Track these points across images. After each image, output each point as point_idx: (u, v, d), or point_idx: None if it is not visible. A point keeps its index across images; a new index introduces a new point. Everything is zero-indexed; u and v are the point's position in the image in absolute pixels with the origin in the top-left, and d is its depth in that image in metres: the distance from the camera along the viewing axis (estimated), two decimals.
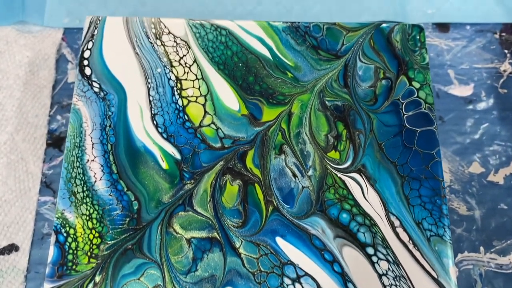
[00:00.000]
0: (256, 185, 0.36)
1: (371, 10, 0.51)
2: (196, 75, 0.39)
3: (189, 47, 0.40)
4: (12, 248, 0.42)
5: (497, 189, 0.45)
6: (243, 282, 0.33)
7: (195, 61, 0.39)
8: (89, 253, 0.34)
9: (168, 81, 0.39)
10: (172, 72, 0.39)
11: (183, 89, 0.38)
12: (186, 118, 0.38)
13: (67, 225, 0.35)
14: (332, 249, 0.34)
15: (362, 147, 0.37)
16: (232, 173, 0.36)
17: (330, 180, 0.36)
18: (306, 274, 0.34)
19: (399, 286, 0.34)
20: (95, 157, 0.36)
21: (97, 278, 0.33)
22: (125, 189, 0.36)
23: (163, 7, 0.50)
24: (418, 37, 0.40)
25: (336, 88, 0.39)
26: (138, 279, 0.33)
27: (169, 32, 0.40)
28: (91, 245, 0.34)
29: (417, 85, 0.39)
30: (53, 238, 0.34)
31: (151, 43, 0.40)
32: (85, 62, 0.39)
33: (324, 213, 0.35)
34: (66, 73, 0.49)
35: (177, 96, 0.38)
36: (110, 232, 0.34)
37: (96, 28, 0.40)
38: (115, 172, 0.36)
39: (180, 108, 0.38)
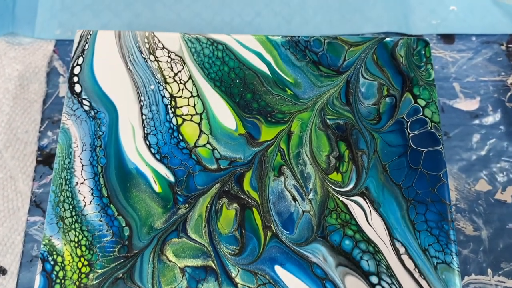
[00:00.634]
0: (254, 209, 0.34)
1: (373, 21, 0.49)
2: (191, 92, 0.37)
3: (184, 63, 0.38)
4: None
5: (505, 208, 0.44)
6: None
7: (190, 77, 0.38)
8: (77, 283, 0.32)
9: (161, 99, 0.37)
10: (166, 89, 0.37)
11: (178, 107, 0.37)
12: (181, 138, 0.36)
13: (54, 252, 0.33)
14: (334, 278, 0.33)
15: (366, 168, 0.35)
16: (228, 197, 0.35)
17: (332, 204, 0.34)
18: None
19: None
20: (84, 179, 0.35)
21: None
22: (116, 214, 0.34)
23: (159, 18, 0.48)
24: (423, 52, 0.39)
25: (337, 106, 0.37)
26: None
27: (163, 47, 0.38)
28: (79, 274, 0.32)
29: (422, 102, 0.37)
30: (39, 267, 0.32)
31: (144, 58, 0.38)
32: (75, 79, 0.37)
33: (325, 239, 0.34)
34: (57, 86, 0.47)
35: (171, 115, 0.36)
36: (99, 260, 0.33)
37: (87, 43, 0.38)
38: (106, 195, 0.34)
39: (174, 128, 0.36)
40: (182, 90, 0.37)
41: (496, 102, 0.48)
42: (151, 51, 0.38)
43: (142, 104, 0.37)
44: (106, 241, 0.33)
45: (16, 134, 0.45)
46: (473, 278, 0.41)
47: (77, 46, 0.38)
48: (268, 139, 0.36)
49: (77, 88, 0.37)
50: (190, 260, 0.33)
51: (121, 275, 0.32)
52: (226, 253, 0.33)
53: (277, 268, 0.33)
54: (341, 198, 0.35)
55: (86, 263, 0.33)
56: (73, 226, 0.33)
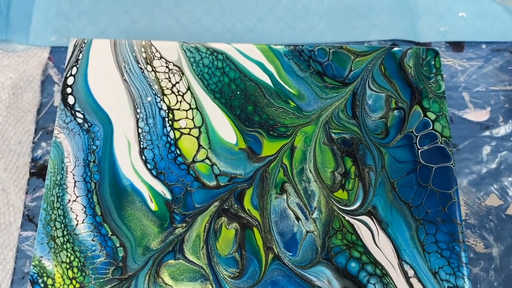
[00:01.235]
0: (255, 229, 0.33)
1: (379, 28, 0.47)
2: (189, 105, 0.35)
3: (183, 73, 0.36)
4: None
5: None
6: None
7: (188, 88, 0.36)
8: None
9: (159, 111, 0.35)
10: (164, 101, 0.35)
11: (175, 120, 0.35)
12: (178, 152, 0.34)
13: (44, 274, 0.31)
14: None
15: (373, 186, 0.34)
16: (228, 215, 0.33)
17: (337, 223, 0.33)
18: None
19: None
20: (77, 197, 0.33)
21: None
22: (110, 233, 0.32)
23: (157, 24, 0.47)
24: (433, 62, 0.37)
25: (343, 119, 0.35)
26: None
27: (161, 57, 0.37)
28: None
29: (432, 116, 0.35)
30: None
31: (141, 68, 0.36)
32: (68, 90, 0.36)
33: (330, 261, 0.32)
34: (52, 95, 0.45)
35: (168, 128, 0.35)
36: (92, 282, 0.31)
37: (81, 52, 0.37)
38: (99, 214, 0.33)
39: (172, 142, 0.35)
40: (180, 102, 0.35)
41: (507, 113, 0.46)
42: (148, 61, 0.36)
43: (138, 116, 0.35)
44: (99, 262, 0.31)
45: (9, 145, 0.43)
46: None
47: (71, 56, 0.36)
48: (270, 154, 0.34)
49: (71, 99, 0.35)
50: (187, 283, 0.31)
51: None
52: (225, 276, 0.31)
53: None
54: (347, 218, 0.33)
55: (78, 286, 0.31)
56: (64, 246, 0.32)
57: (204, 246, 0.32)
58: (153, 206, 0.33)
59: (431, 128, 0.35)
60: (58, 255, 0.31)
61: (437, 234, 0.32)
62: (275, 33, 0.47)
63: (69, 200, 0.33)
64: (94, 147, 0.34)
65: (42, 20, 0.47)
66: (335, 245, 0.32)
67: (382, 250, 0.32)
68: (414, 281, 0.31)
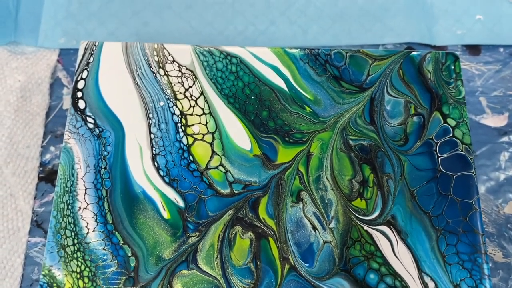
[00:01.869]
0: (270, 238, 0.32)
1: (394, 31, 0.46)
2: (203, 110, 0.35)
3: (196, 78, 0.35)
4: None
5: None
6: None
7: (202, 93, 0.35)
8: None
9: (171, 116, 0.34)
10: (176, 106, 0.35)
11: (188, 126, 0.34)
12: (191, 159, 0.33)
13: (54, 284, 0.30)
14: None
15: (392, 195, 0.33)
16: (242, 224, 0.32)
17: (356, 234, 0.32)
18: None
19: None
20: (88, 204, 0.32)
21: None
22: (121, 242, 0.31)
23: (168, 27, 0.46)
24: (452, 67, 0.36)
25: (361, 125, 0.34)
26: None
27: (174, 60, 0.36)
28: None
29: (452, 122, 0.34)
30: None
31: (153, 72, 0.35)
32: (79, 94, 0.35)
33: (348, 273, 0.31)
34: (61, 98, 0.45)
35: (181, 134, 0.34)
36: None
37: (91, 55, 0.36)
38: (110, 222, 0.32)
39: (185, 148, 0.34)
40: (194, 107, 0.35)
41: None
42: (161, 65, 0.36)
43: (150, 122, 0.34)
44: (111, 272, 0.31)
45: (17, 149, 0.43)
46: None
47: (81, 59, 0.36)
48: (286, 161, 0.33)
49: (81, 104, 0.35)
50: None
51: None
52: (240, 287, 0.30)
53: None
54: (365, 228, 0.32)
55: None
56: (75, 255, 0.31)
57: (218, 256, 0.31)
58: (165, 214, 0.32)
59: (451, 135, 0.34)
60: (68, 264, 0.31)
61: (458, 245, 0.31)
62: (288, 36, 0.46)
63: (80, 208, 0.32)
64: (105, 153, 0.33)
65: (51, 22, 0.46)
66: (353, 256, 0.31)
67: (402, 261, 0.31)
68: None
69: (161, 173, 0.33)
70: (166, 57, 0.36)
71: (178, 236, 0.31)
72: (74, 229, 0.31)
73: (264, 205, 0.32)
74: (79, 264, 0.31)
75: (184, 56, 0.36)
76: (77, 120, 0.34)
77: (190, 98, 0.35)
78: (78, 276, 0.30)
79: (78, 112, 0.34)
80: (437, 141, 0.34)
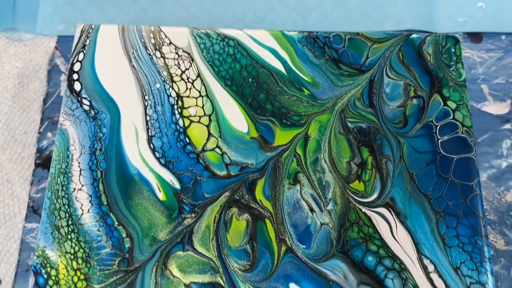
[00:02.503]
0: (267, 220, 0.31)
1: (395, 18, 0.46)
2: (199, 92, 0.34)
3: (192, 60, 0.35)
4: None
5: None
6: None
7: (198, 75, 0.35)
8: None
9: (167, 99, 0.34)
10: (173, 88, 0.34)
11: (185, 108, 0.34)
12: (187, 141, 0.33)
13: (48, 265, 0.30)
14: None
15: (391, 177, 0.32)
16: (239, 206, 0.31)
17: (354, 216, 0.31)
18: None
19: None
20: (82, 185, 0.32)
21: None
22: (116, 223, 0.31)
23: (167, 14, 0.45)
24: (453, 50, 0.35)
25: (359, 107, 0.34)
26: None
27: (170, 43, 0.35)
28: None
29: (453, 105, 0.34)
30: (31, 281, 0.30)
31: (149, 55, 0.35)
32: (75, 76, 0.35)
33: (346, 255, 0.30)
34: (58, 85, 0.44)
35: (177, 116, 0.34)
36: (97, 274, 0.30)
37: (88, 38, 0.35)
38: (105, 203, 0.31)
39: (181, 130, 0.33)
40: (190, 89, 0.34)
41: None
42: (157, 47, 0.35)
43: (146, 104, 0.34)
44: (105, 253, 0.30)
45: (14, 136, 0.42)
46: None
47: (78, 41, 0.35)
48: (283, 144, 0.33)
49: (77, 86, 0.34)
50: (196, 276, 0.30)
51: None
52: (236, 269, 0.30)
53: (292, 286, 0.30)
54: (363, 210, 0.31)
55: (82, 277, 0.30)
56: (69, 236, 0.30)
57: (214, 238, 0.31)
58: (161, 195, 0.32)
59: (451, 117, 0.34)
60: (62, 245, 0.30)
61: (458, 228, 0.31)
62: (287, 23, 0.46)
63: (74, 189, 0.32)
64: (101, 134, 0.33)
65: (50, 8, 0.46)
66: (351, 238, 0.31)
67: (401, 243, 0.31)
68: (434, 276, 0.30)
69: (157, 155, 0.33)
70: (162, 40, 0.35)
71: (173, 218, 0.31)
72: (68, 210, 0.31)
73: (261, 187, 0.32)
74: (73, 245, 0.30)
75: (181, 38, 0.35)
76: (72, 102, 0.34)
77: (186, 80, 0.34)
78: (72, 257, 0.30)
79: (74, 94, 0.34)
80: (437, 124, 0.33)
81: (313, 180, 0.32)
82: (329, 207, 0.31)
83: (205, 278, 0.30)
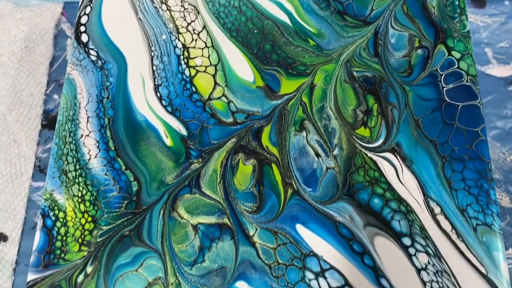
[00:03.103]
0: (273, 165, 0.31)
1: None
2: (205, 43, 0.34)
3: (198, 12, 0.35)
4: (0, 238, 0.38)
5: None
6: (257, 276, 0.29)
7: (204, 27, 0.35)
8: (80, 240, 0.29)
9: (174, 49, 0.34)
10: (179, 40, 0.34)
11: (191, 58, 0.34)
12: (194, 90, 0.33)
13: (56, 207, 0.30)
14: (362, 239, 0.29)
15: (396, 123, 0.32)
16: (245, 152, 0.32)
17: (359, 160, 0.31)
18: (332, 267, 0.29)
19: (441, 283, 0.28)
20: (90, 132, 0.32)
21: (89, 269, 0.29)
22: (123, 168, 0.31)
23: None
24: (457, 3, 0.36)
25: (365, 57, 0.34)
26: (136, 270, 0.29)
27: None
28: (82, 231, 0.29)
29: (457, 55, 0.34)
30: (40, 223, 0.30)
31: (155, 7, 0.35)
32: (82, 28, 0.35)
33: (352, 197, 0.30)
34: (64, 49, 0.45)
35: (183, 66, 0.34)
36: (105, 216, 0.30)
37: None
38: (112, 149, 0.31)
39: (187, 79, 0.33)
40: (196, 40, 0.34)
41: None
42: (163, 0, 0.35)
43: (152, 54, 0.34)
44: (112, 196, 0.30)
45: (21, 97, 0.43)
46: (510, 253, 0.38)
47: None
48: (289, 92, 0.33)
49: (84, 37, 0.35)
50: (203, 217, 0.30)
51: (127, 232, 0.29)
52: (243, 211, 0.30)
53: (299, 227, 0.30)
54: (369, 155, 0.31)
55: (90, 219, 0.30)
56: (76, 180, 0.31)
57: (221, 181, 0.31)
58: (168, 141, 0.32)
59: (456, 67, 0.34)
60: (70, 189, 0.30)
61: (464, 172, 0.31)
62: None
63: (82, 135, 0.32)
64: (108, 83, 0.33)
65: None
66: (357, 181, 0.31)
67: (407, 187, 0.31)
68: (441, 218, 0.30)
69: (164, 103, 0.33)
70: None
71: (181, 162, 0.31)
72: (76, 155, 0.31)
73: (267, 134, 0.32)
74: (81, 188, 0.30)
75: None
76: (80, 53, 0.34)
77: (192, 32, 0.35)
78: (80, 200, 0.30)
79: (81, 45, 0.34)
80: (442, 73, 0.34)
81: (319, 127, 0.32)
82: (335, 152, 0.32)
83: (212, 219, 0.30)
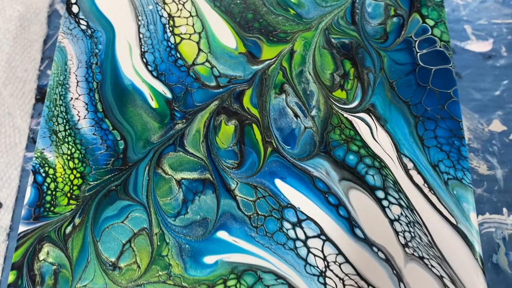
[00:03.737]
0: (254, 125, 0.33)
1: None
2: (190, 12, 0.36)
3: None
4: None
5: None
6: (237, 226, 0.30)
7: None
8: (69, 194, 0.31)
9: (160, 18, 0.36)
10: (165, 10, 0.36)
11: (176, 27, 0.36)
12: (179, 56, 0.35)
13: (46, 165, 0.32)
14: (337, 192, 0.31)
15: (372, 86, 0.34)
16: (227, 113, 0.33)
17: (336, 120, 0.33)
18: (308, 218, 0.30)
19: (414, 232, 0.30)
20: (79, 95, 0.33)
21: (77, 221, 0.30)
22: (111, 128, 0.33)
23: None
24: None
25: (343, 25, 0.36)
26: (122, 222, 0.30)
27: None
28: (71, 186, 0.31)
29: (431, 22, 0.36)
30: (30, 179, 0.31)
31: None
32: (73, 0, 0.36)
33: (328, 154, 0.32)
34: (58, 28, 0.46)
35: (169, 34, 0.35)
36: (92, 172, 0.31)
37: None
38: (100, 110, 0.33)
39: (172, 46, 0.35)
40: (181, 10, 0.36)
41: (510, 44, 0.46)
42: None
43: (139, 23, 0.36)
44: (100, 154, 0.32)
45: (15, 73, 0.44)
46: (487, 217, 0.39)
47: None
48: (270, 58, 0.35)
49: (75, 8, 0.36)
50: (187, 173, 0.31)
51: (114, 187, 0.31)
52: (224, 167, 0.32)
53: (278, 181, 0.31)
54: (345, 115, 0.33)
55: (78, 175, 0.31)
56: (66, 140, 0.32)
57: (204, 140, 0.32)
58: (153, 104, 0.33)
59: (430, 33, 0.35)
60: (59, 147, 0.32)
61: (437, 130, 0.32)
62: None
63: (71, 98, 0.33)
64: (97, 50, 0.35)
65: None
66: (333, 139, 0.32)
67: (381, 144, 0.32)
68: (413, 173, 0.31)
69: (150, 68, 0.34)
70: None
71: (165, 123, 0.33)
72: (65, 117, 0.33)
73: (248, 96, 0.34)
74: (70, 147, 0.32)
75: None
76: (70, 23, 0.36)
77: (178, 2, 0.36)
78: (69, 158, 0.32)
79: (72, 15, 0.36)
80: (416, 39, 0.35)
81: (298, 90, 0.34)
82: (313, 113, 0.33)
83: (195, 175, 0.31)
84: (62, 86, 0.34)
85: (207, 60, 0.35)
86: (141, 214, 0.30)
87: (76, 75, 0.34)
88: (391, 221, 0.30)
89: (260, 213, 0.30)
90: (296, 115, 0.33)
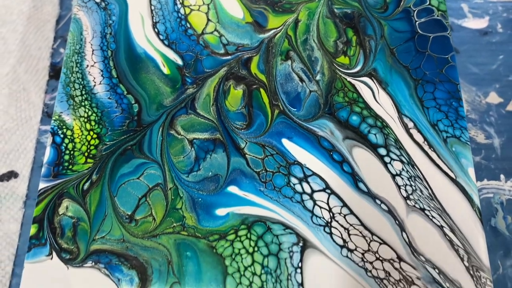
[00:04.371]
0: (261, 89, 0.34)
1: None
2: None
3: None
4: (11, 175, 0.41)
5: None
6: (247, 181, 0.32)
7: None
8: (86, 154, 0.32)
9: None
10: None
11: None
12: (188, 26, 0.36)
13: (64, 127, 0.33)
14: (341, 150, 0.32)
15: (373, 52, 0.35)
16: (236, 78, 0.35)
17: (339, 84, 0.34)
18: (314, 173, 0.32)
19: (414, 186, 0.31)
20: (94, 62, 0.35)
21: (94, 177, 0.32)
22: (125, 92, 0.34)
23: None
24: None
25: None
26: (138, 178, 0.32)
27: None
28: (88, 146, 0.33)
29: None
30: (49, 140, 0.33)
31: None
32: None
33: (332, 115, 0.34)
34: (70, 9, 0.48)
35: (179, 5, 0.37)
36: (109, 133, 0.33)
37: None
38: (115, 76, 0.35)
39: (182, 17, 0.37)
40: None
41: (506, 21, 0.47)
42: None
43: None
44: (115, 117, 0.33)
45: (30, 51, 0.46)
46: (485, 183, 0.41)
47: None
48: (275, 27, 0.36)
49: None
50: (198, 134, 0.33)
51: (129, 146, 0.33)
52: (234, 128, 0.33)
53: (285, 141, 0.33)
54: (348, 79, 0.35)
55: (95, 136, 0.33)
56: (83, 103, 0.34)
57: (214, 104, 0.34)
58: (165, 70, 0.35)
59: (428, 4, 0.37)
60: (76, 110, 0.34)
61: (435, 92, 0.34)
62: None
63: (87, 65, 0.35)
64: (111, 21, 0.36)
65: None
66: (337, 102, 0.34)
67: (382, 105, 0.34)
68: (413, 131, 0.33)
69: (161, 37, 0.36)
70: None
71: (177, 88, 0.34)
72: (82, 82, 0.34)
73: (255, 63, 0.35)
74: (87, 110, 0.34)
75: None
76: None
77: None
78: (86, 120, 0.33)
79: None
80: (414, 9, 0.37)
81: (303, 57, 0.35)
82: (317, 77, 0.35)
83: (206, 135, 0.33)
84: (78, 54, 0.35)
85: (215, 30, 0.36)
86: (155, 171, 0.32)
87: (91, 44, 0.36)
88: (393, 176, 0.32)
89: (268, 169, 0.32)
90: (302, 80, 0.35)
